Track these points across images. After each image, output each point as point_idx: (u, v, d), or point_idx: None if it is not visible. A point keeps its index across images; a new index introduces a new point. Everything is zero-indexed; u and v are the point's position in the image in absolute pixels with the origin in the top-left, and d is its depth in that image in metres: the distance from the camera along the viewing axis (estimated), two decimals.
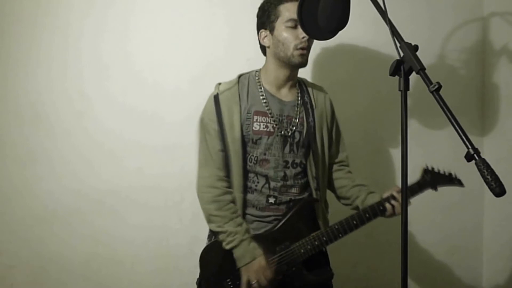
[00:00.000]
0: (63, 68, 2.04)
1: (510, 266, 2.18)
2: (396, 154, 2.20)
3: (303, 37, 1.53)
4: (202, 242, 1.67)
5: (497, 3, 2.18)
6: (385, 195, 1.58)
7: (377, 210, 1.55)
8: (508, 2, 2.15)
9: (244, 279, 1.51)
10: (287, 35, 1.54)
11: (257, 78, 1.63)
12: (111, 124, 2.06)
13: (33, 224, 2.05)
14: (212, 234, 1.61)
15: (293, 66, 1.59)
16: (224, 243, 1.52)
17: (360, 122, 2.19)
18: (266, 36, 1.60)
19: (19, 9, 2.03)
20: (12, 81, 2.04)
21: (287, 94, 1.63)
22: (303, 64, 1.58)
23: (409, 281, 1.03)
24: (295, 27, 1.53)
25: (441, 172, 1.66)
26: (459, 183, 1.67)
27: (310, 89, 1.69)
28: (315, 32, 1.34)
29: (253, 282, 1.50)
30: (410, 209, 1.10)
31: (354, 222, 1.55)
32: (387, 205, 1.55)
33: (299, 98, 1.64)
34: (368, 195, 1.63)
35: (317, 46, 2.02)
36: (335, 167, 1.77)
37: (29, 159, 2.04)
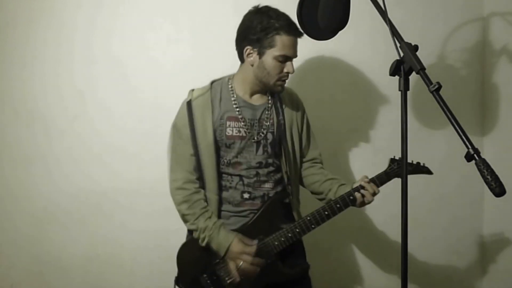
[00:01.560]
0: (58, 71, 2.04)
1: (510, 266, 2.17)
2: (395, 154, 2.20)
3: (287, 71, 1.58)
4: None
5: (497, 3, 2.18)
6: (355, 185, 1.61)
7: (347, 200, 1.59)
8: (508, 2, 2.15)
9: (231, 266, 1.56)
10: (274, 67, 1.56)
11: (230, 85, 1.65)
12: (108, 127, 2.06)
13: (32, 226, 2.06)
14: (190, 233, 1.67)
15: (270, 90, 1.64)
16: (199, 241, 1.58)
17: (360, 122, 2.19)
18: (251, 55, 1.58)
19: (14, 10, 2.03)
20: (8, 84, 2.04)
21: (258, 99, 1.67)
22: (281, 91, 1.65)
23: (409, 281, 1.03)
24: (284, 61, 1.56)
25: (408, 161, 1.66)
26: (427, 171, 1.68)
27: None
28: (315, 32, 1.34)
29: (240, 264, 1.55)
30: (410, 209, 1.10)
31: (326, 213, 1.58)
32: (357, 195, 1.58)
33: (270, 101, 1.67)
34: (340, 187, 1.67)
35: (317, 46, 2.02)
36: (307, 164, 1.79)
37: (27, 161, 2.05)
